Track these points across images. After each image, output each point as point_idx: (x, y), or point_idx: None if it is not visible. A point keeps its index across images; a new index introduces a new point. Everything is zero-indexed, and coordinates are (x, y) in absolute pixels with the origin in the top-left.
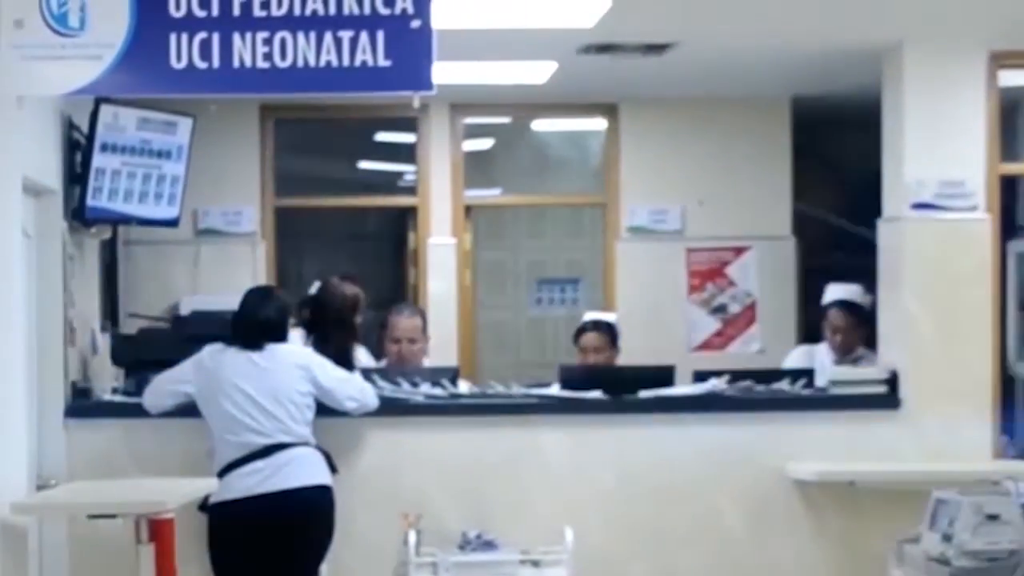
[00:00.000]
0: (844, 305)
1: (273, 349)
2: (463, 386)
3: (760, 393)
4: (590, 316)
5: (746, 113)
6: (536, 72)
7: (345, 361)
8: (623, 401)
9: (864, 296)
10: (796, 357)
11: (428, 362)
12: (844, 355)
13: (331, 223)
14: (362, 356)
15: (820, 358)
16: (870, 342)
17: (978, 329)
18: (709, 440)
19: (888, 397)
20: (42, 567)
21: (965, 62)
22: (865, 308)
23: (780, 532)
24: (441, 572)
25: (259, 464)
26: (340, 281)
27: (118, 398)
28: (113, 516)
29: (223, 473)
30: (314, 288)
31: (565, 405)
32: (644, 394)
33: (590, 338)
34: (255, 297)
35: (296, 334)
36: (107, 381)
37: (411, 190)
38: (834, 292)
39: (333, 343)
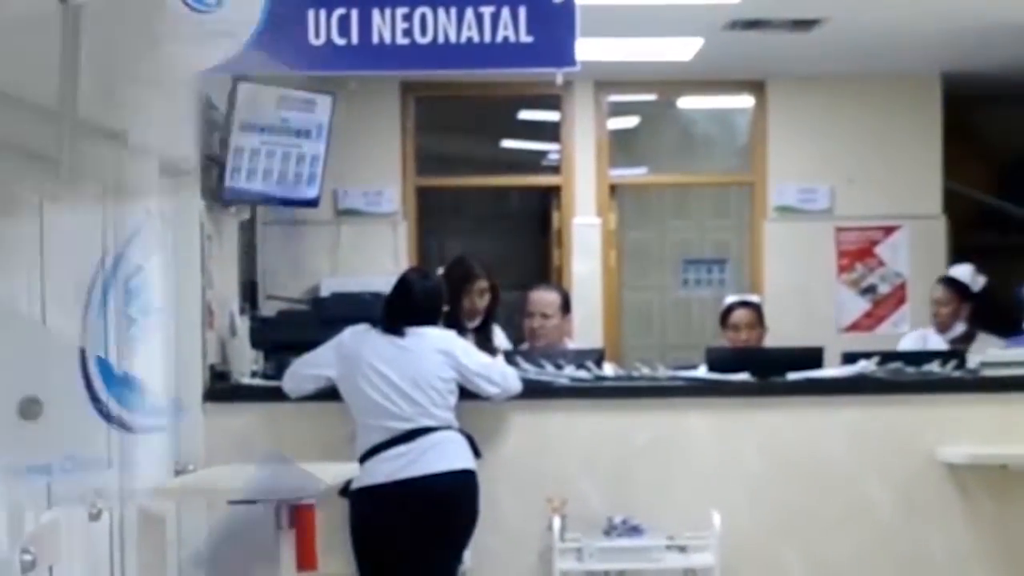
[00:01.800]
0: (946, 281)
1: (417, 333)
2: (608, 368)
3: (910, 375)
4: (732, 298)
5: (896, 89)
6: (682, 48)
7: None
8: (771, 383)
9: (975, 276)
10: (910, 341)
11: (572, 344)
12: (942, 331)
13: (474, 203)
14: (499, 335)
15: (932, 341)
16: (977, 322)
17: None
18: (858, 423)
19: None
20: (181, 553)
21: None
22: (969, 286)
23: (931, 517)
24: (586, 557)
25: (402, 448)
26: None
27: (257, 381)
28: (253, 502)
29: (365, 458)
30: None
31: (712, 388)
32: (792, 376)
33: (741, 315)
34: (411, 278)
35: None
36: (246, 364)
37: (555, 169)
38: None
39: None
